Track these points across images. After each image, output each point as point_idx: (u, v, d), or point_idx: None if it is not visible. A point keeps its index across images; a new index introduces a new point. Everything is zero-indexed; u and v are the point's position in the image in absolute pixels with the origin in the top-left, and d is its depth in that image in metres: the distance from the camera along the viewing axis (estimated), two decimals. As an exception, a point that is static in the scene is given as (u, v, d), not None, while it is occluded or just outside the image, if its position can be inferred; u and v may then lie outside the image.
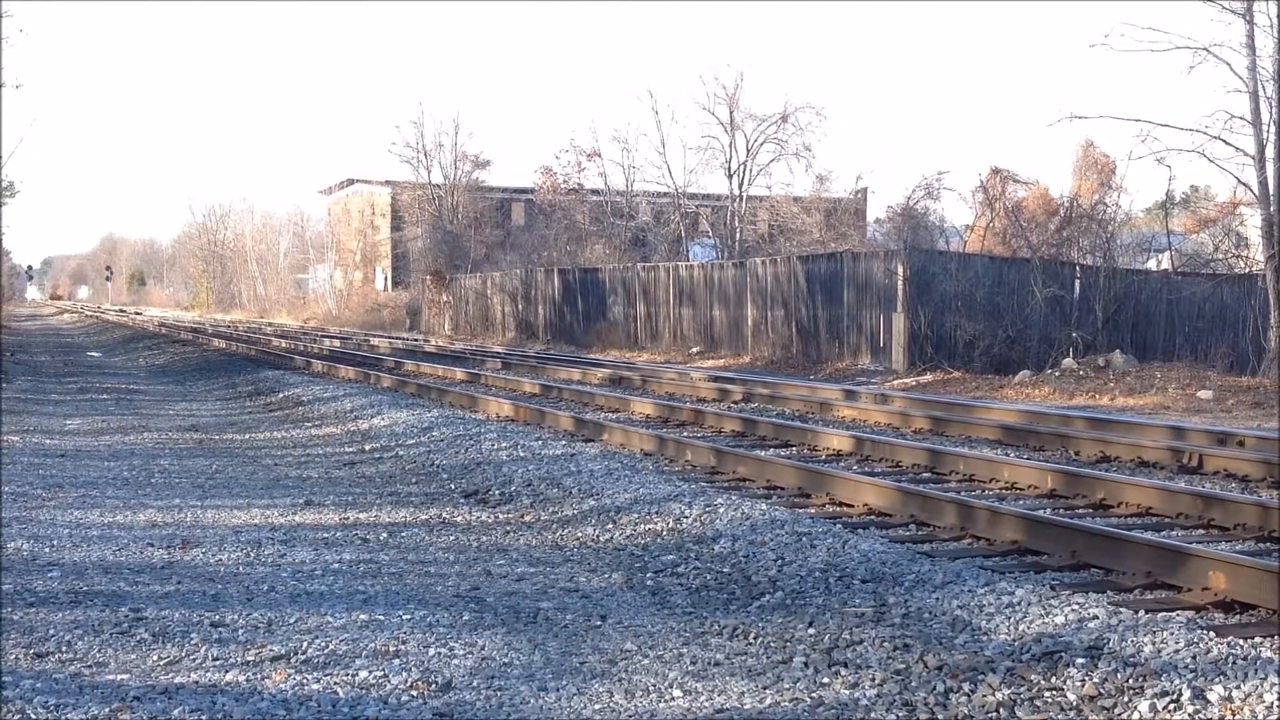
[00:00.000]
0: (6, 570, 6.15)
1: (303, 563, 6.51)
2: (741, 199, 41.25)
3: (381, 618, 5.32)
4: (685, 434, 11.92)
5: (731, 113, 40.72)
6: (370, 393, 15.88)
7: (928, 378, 20.21)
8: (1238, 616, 5.32)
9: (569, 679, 4.57)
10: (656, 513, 7.47)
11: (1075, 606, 4.97)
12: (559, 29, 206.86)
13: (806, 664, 4.74)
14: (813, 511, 7.73)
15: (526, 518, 7.96)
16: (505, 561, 6.64)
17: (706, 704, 4.31)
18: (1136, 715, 4.02)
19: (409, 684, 4.42)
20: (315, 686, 4.37)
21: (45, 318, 67.17)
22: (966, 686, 4.35)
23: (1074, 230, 25.44)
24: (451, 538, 7.32)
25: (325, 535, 7.31)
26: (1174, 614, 5.18)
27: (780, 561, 6.19)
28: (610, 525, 7.44)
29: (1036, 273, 22.75)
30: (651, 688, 4.49)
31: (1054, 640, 4.63)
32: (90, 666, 4.60)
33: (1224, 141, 19.34)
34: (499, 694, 4.36)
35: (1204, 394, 16.32)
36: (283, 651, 4.79)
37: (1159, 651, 4.41)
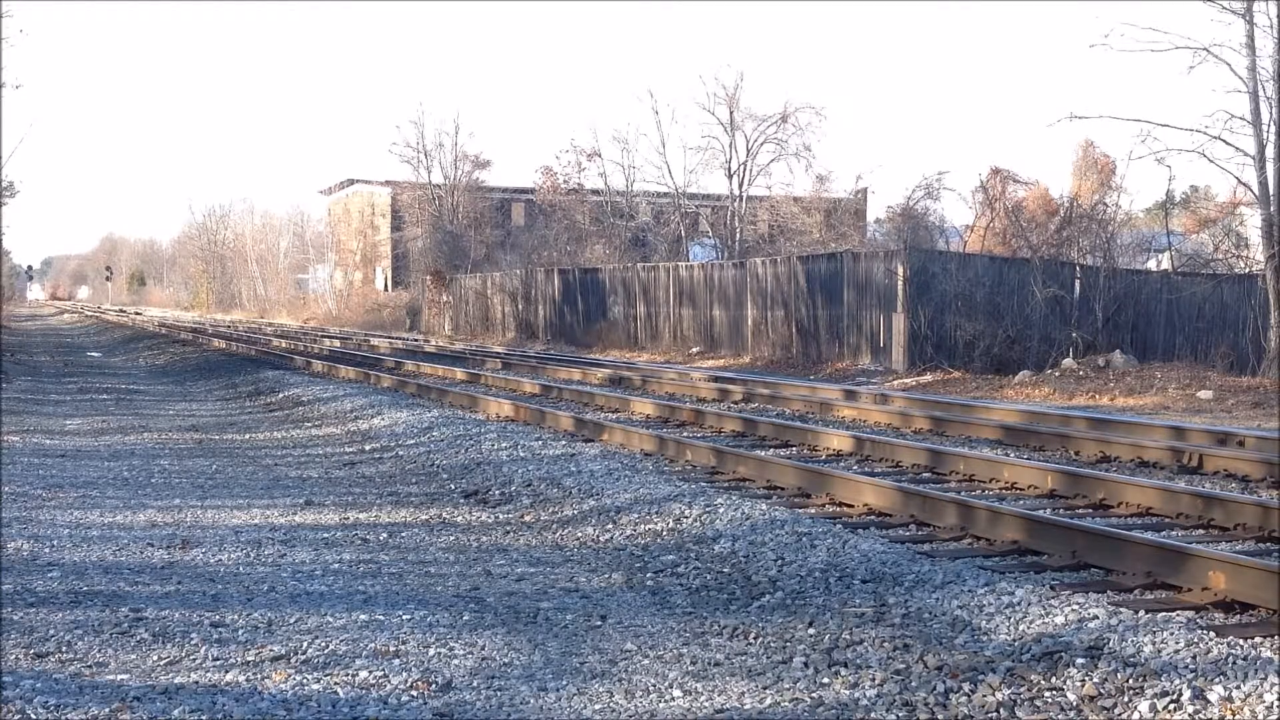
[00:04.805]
0: (6, 570, 6.15)
1: (303, 563, 6.51)
2: (741, 199, 41.21)
3: (381, 618, 5.32)
4: (685, 434, 11.92)
5: (731, 113, 40.70)
6: (370, 393, 15.88)
7: (928, 378, 20.21)
8: (1238, 616, 5.32)
9: (569, 679, 4.57)
10: (656, 513, 7.47)
11: (1075, 606, 4.97)
12: (559, 29, 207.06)
13: (806, 664, 4.74)
14: (813, 511, 7.73)
15: (526, 518, 7.96)
16: (505, 561, 6.64)
17: (706, 704, 4.31)
18: (1136, 715, 4.02)
19: (409, 684, 4.42)
20: (315, 686, 4.37)
21: (45, 318, 67.16)
22: (966, 686, 4.35)
23: (1074, 230, 25.43)
24: (451, 538, 7.32)
25: (325, 535, 7.31)
26: (1174, 614, 5.18)
27: (780, 561, 6.19)
28: (610, 525, 7.43)
29: (1036, 273, 22.75)
30: (651, 688, 4.48)
31: (1054, 640, 4.63)
32: (90, 666, 4.60)
33: (1224, 141, 19.36)
34: (499, 694, 4.36)
35: (1204, 394, 16.33)
36: (283, 651, 4.79)
37: (1159, 651, 4.41)
